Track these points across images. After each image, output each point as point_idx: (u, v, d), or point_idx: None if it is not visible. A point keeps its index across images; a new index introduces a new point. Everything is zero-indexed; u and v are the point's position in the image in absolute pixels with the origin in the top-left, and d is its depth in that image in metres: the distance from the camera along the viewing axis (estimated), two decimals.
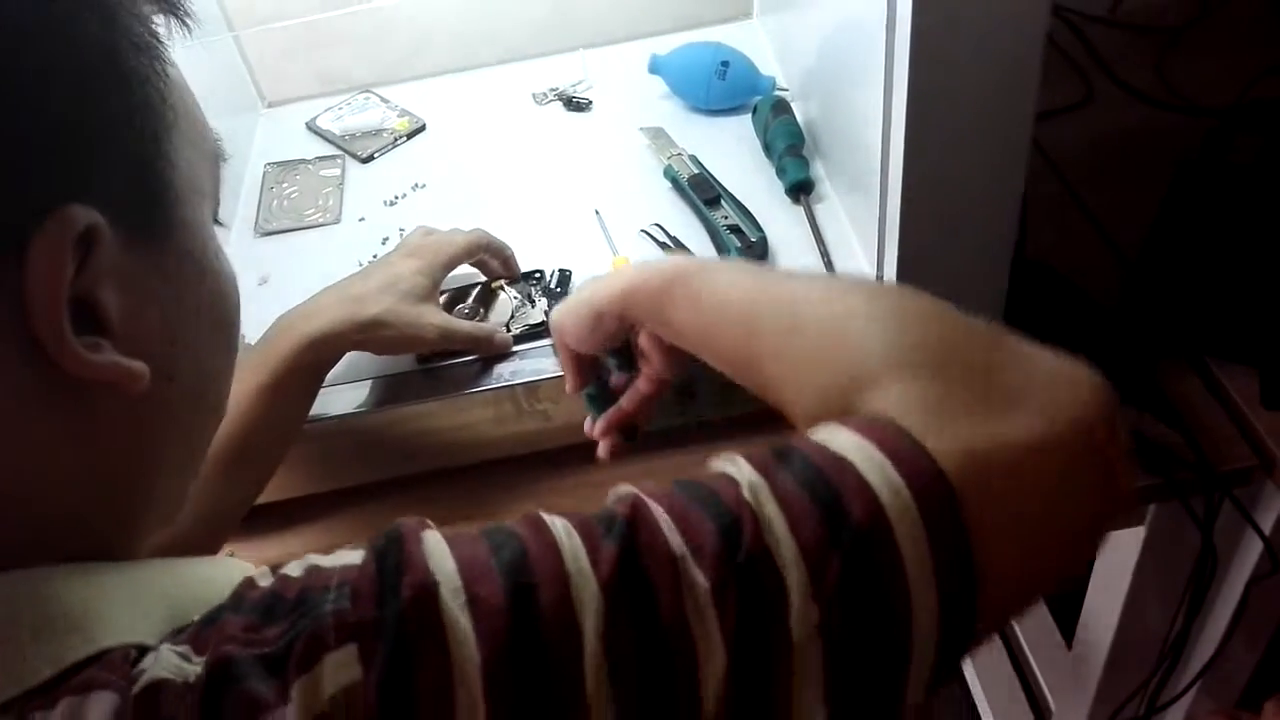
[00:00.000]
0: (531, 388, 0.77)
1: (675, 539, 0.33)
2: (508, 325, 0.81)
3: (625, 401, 0.62)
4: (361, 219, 0.96)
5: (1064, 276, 0.77)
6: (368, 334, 0.71)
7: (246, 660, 0.29)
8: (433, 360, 0.79)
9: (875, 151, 0.67)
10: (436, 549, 0.33)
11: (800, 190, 0.87)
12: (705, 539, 0.33)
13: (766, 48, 1.07)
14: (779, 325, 0.46)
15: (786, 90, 0.99)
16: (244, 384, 0.67)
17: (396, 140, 1.05)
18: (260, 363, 0.68)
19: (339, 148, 1.05)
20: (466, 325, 0.78)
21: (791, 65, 1.00)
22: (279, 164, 1.04)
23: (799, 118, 0.92)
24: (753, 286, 0.48)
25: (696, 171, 0.90)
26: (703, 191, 0.87)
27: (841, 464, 0.35)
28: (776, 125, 0.91)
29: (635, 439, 0.64)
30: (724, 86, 0.98)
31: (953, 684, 1.57)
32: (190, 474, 0.43)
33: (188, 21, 0.41)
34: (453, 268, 0.78)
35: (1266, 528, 0.74)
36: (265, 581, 0.33)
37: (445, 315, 0.77)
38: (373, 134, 1.06)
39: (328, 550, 0.35)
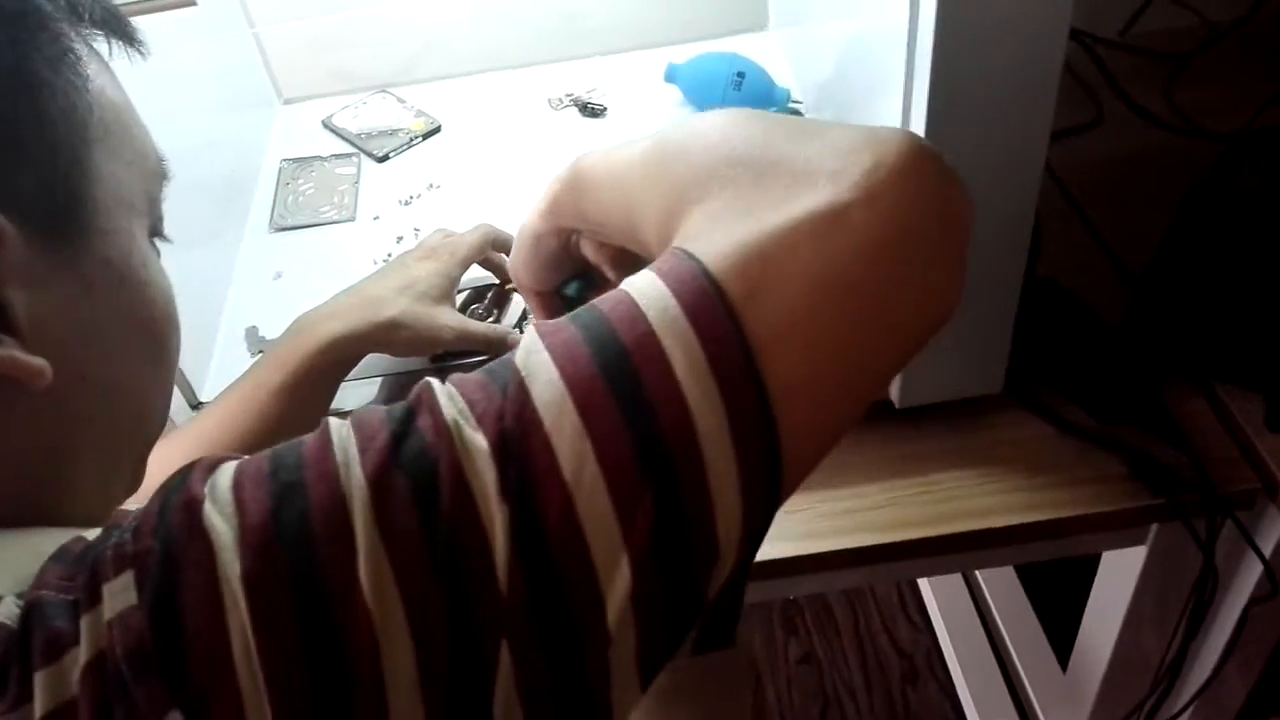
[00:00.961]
0: None
1: (451, 409, 0.32)
2: (520, 326, 0.82)
3: None
4: (376, 217, 0.97)
5: (1073, 294, 0.78)
6: (386, 335, 0.72)
7: (55, 603, 0.30)
8: (446, 359, 0.80)
9: None
10: (223, 472, 0.32)
11: None
12: (489, 404, 0.32)
13: (781, 60, 1.07)
14: (638, 178, 0.44)
15: (801, 103, 1.00)
16: (263, 383, 0.68)
17: (412, 140, 1.05)
18: (279, 362, 0.69)
19: (355, 146, 1.06)
20: (481, 326, 0.78)
21: (806, 78, 1.01)
22: (295, 160, 1.05)
23: None
24: (629, 153, 0.46)
25: None
26: None
27: (620, 301, 0.34)
28: None
29: None
30: (739, 97, 0.98)
31: (944, 704, 1.57)
32: (115, 478, 0.42)
33: (138, 47, 0.42)
34: (468, 266, 0.79)
35: (1267, 551, 0.75)
36: (91, 535, 0.34)
37: (461, 316, 0.77)
38: (389, 133, 1.06)
39: None
